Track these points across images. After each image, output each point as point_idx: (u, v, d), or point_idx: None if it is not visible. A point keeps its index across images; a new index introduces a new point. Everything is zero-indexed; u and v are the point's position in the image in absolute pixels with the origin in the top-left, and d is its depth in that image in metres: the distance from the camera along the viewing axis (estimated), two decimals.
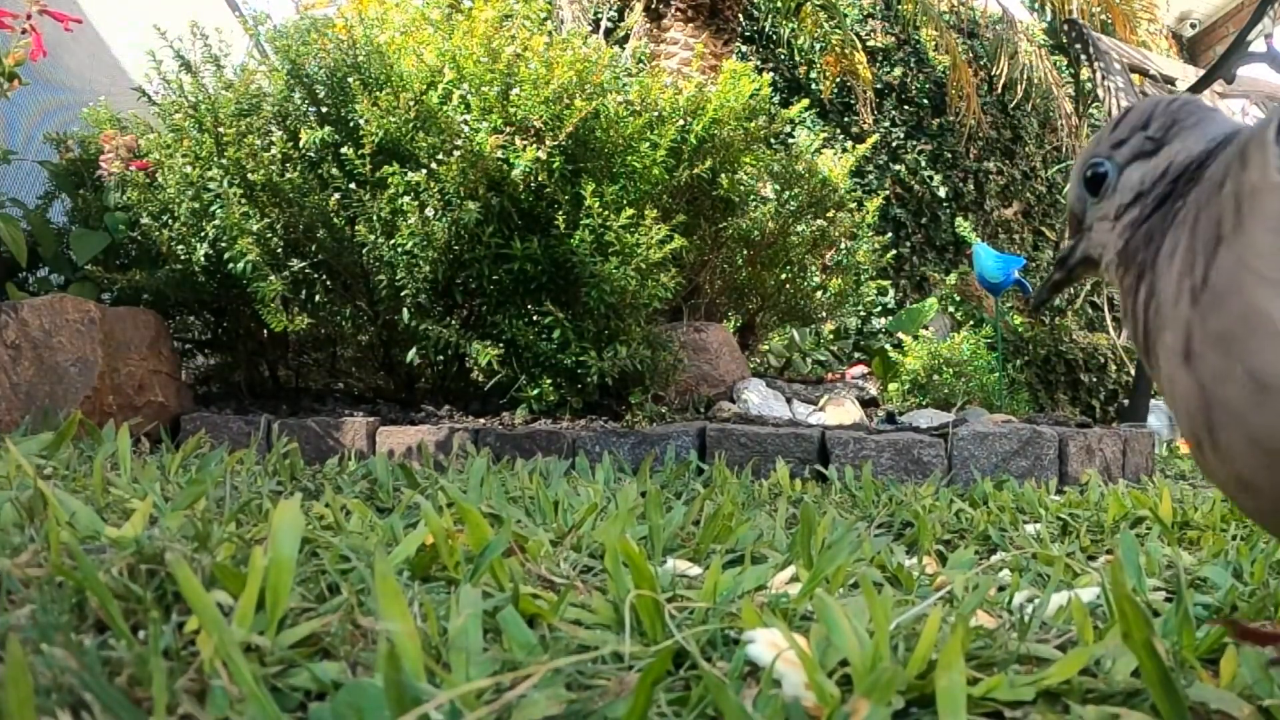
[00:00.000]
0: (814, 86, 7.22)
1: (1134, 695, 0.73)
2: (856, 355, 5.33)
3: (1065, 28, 4.07)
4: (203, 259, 2.71)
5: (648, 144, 2.80)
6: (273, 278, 2.62)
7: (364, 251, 2.67)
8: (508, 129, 2.67)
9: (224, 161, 2.62)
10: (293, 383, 3.33)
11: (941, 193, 7.55)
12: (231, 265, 2.62)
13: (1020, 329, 6.75)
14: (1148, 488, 1.96)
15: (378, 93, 2.64)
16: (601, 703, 0.67)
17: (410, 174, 2.59)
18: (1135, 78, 3.73)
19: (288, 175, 2.61)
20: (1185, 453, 3.74)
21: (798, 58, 7.36)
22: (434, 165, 2.60)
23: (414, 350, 2.78)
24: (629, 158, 2.80)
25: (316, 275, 2.83)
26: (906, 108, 7.65)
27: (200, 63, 2.84)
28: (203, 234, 2.69)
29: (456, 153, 2.58)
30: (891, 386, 4.11)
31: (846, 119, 7.27)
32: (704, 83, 3.08)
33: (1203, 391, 0.49)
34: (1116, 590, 0.68)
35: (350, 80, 2.67)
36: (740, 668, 0.76)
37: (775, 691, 0.71)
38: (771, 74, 3.49)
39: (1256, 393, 0.46)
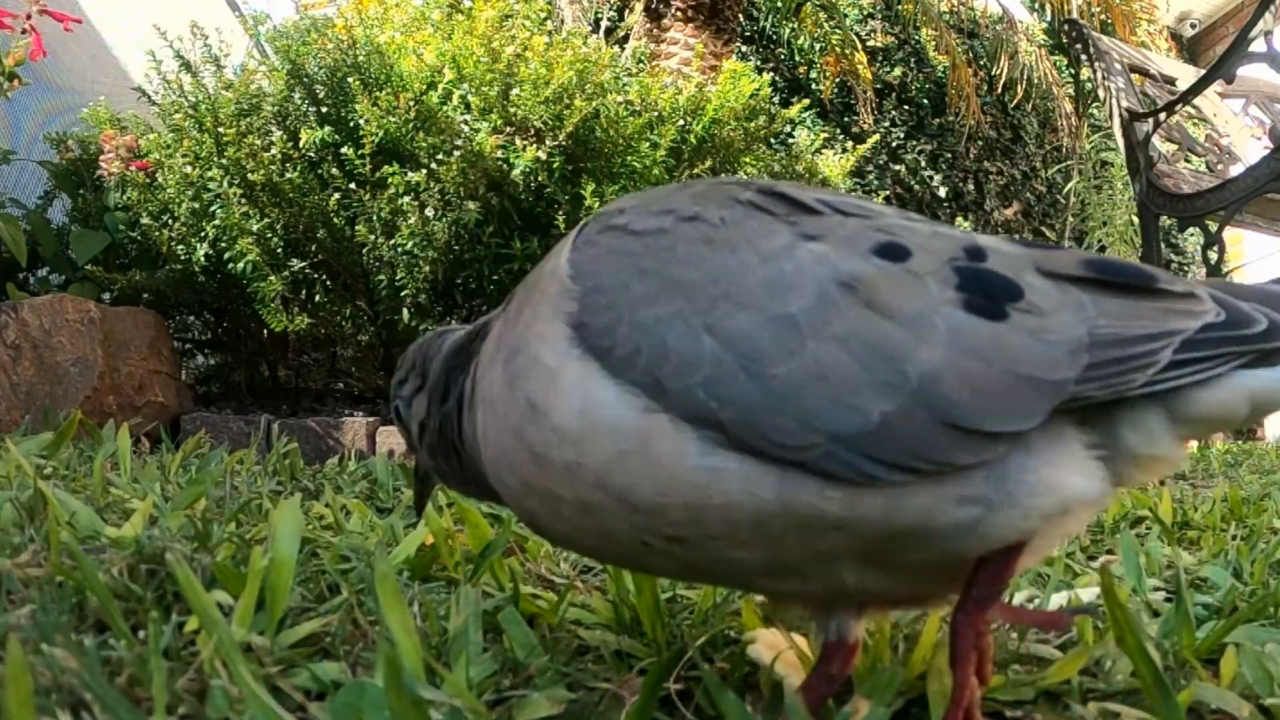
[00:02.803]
0: (814, 86, 7.22)
1: (1134, 694, 0.73)
2: None
3: (1065, 28, 4.07)
4: (203, 259, 2.71)
5: (648, 144, 2.80)
6: (273, 278, 2.62)
7: (364, 251, 2.67)
8: (508, 129, 2.67)
9: (224, 161, 2.62)
10: (293, 383, 3.33)
11: (941, 193, 7.55)
12: (231, 265, 2.62)
13: None
14: (1148, 488, 1.96)
15: (378, 93, 2.64)
16: (603, 705, 0.67)
17: (410, 174, 2.59)
18: (1135, 77, 3.72)
19: (288, 175, 2.61)
20: (1186, 450, 3.75)
21: (798, 58, 7.36)
22: (434, 165, 2.60)
23: None
24: (629, 158, 2.79)
25: (316, 275, 2.82)
26: (906, 108, 7.64)
27: (200, 63, 2.84)
28: (203, 234, 2.69)
29: (456, 153, 2.58)
30: None
31: (846, 119, 7.27)
32: (704, 83, 3.08)
33: (503, 431, 0.63)
34: (1109, 595, 0.68)
35: (350, 80, 2.66)
36: (740, 668, 0.76)
37: (775, 692, 0.71)
38: (771, 74, 3.49)
39: (532, 414, 0.60)
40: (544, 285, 0.65)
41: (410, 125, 2.64)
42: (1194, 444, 4.32)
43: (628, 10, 5.08)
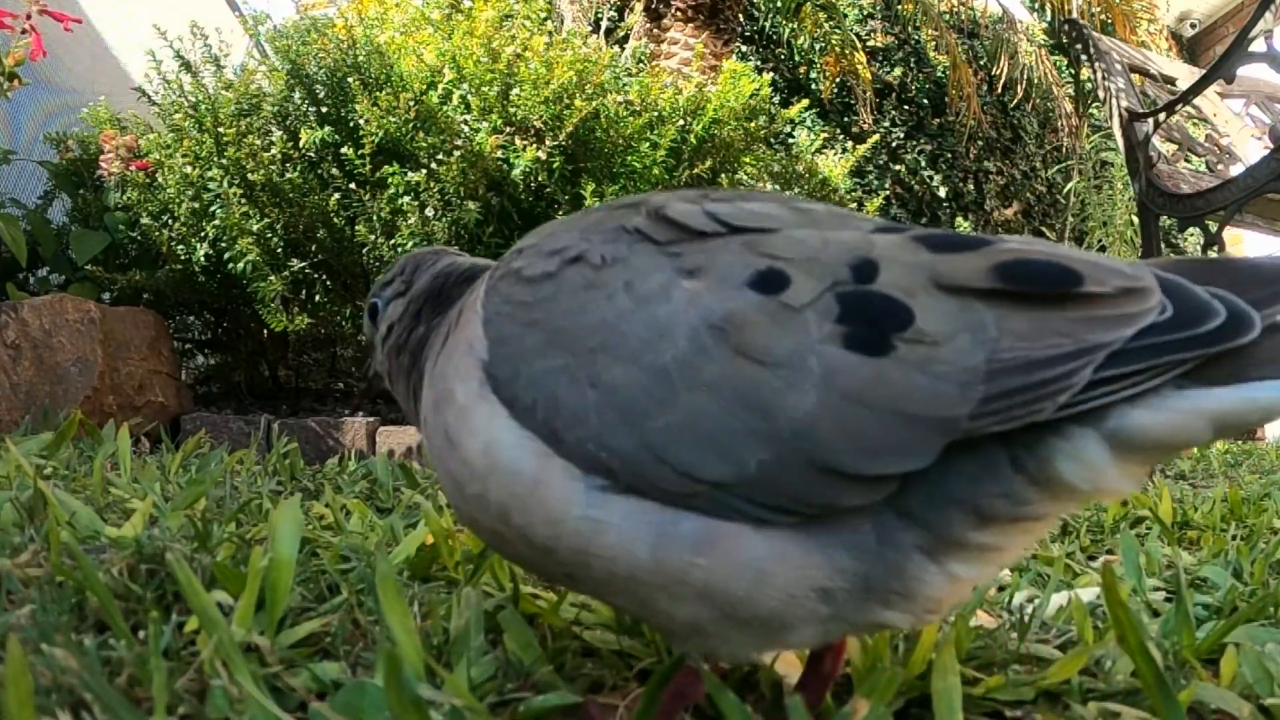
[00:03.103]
0: (814, 86, 7.22)
1: (1134, 694, 0.73)
2: None
3: (1065, 28, 4.07)
4: (203, 259, 2.71)
5: (648, 144, 2.80)
6: (273, 278, 2.62)
7: (364, 251, 2.67)
8: (508, 129, 2.67)
9: (224, 161, 2.62)
10: (293, 383, 3.33)
11: (941, 193, 7.55)
12: (231, 265, 2.62)
13: None
14: (1148, 488, 1.96)
15: (378, 93, 2.64)
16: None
17: (410, 174, 2.59)
18: (1135, 78, 3.72)
19: (288, 175, 2.61)
20: (1186, 452, 3.74)
21: (798, 58, 7.36)
22: (434, 165, 2.60)
23: None
24: (629, 158, 2.79)
25: (316, 275, 2.82)
26: (906, 108, 7.64)
27: (200, 63, 2.84)
28: (203, 234, 2.69)
29: (456, 153, 2.58)
30: None
31: (846, 119, 7.27)
32: (704, 83, 3.07)
33: (432, 449, 0.68)
34: (1110, 595, 0.68)
35: (350, 80, 2.66)
36: (740, 668, 0.76)
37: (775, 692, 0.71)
38: (771, 74, 3.49)
39: (448, 445, 0.64)
40: (466, 317, 0.67)
41: (410, 125, 2.64)
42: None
43: (628, 10, 5.08)
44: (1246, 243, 6.44)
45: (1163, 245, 4.75)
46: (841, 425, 0.52)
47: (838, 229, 0.60)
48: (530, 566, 0.66)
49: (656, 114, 2.88)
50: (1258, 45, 2.98)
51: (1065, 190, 7.90)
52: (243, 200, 2.60)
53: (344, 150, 2.61)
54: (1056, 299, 0.53)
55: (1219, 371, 0.51)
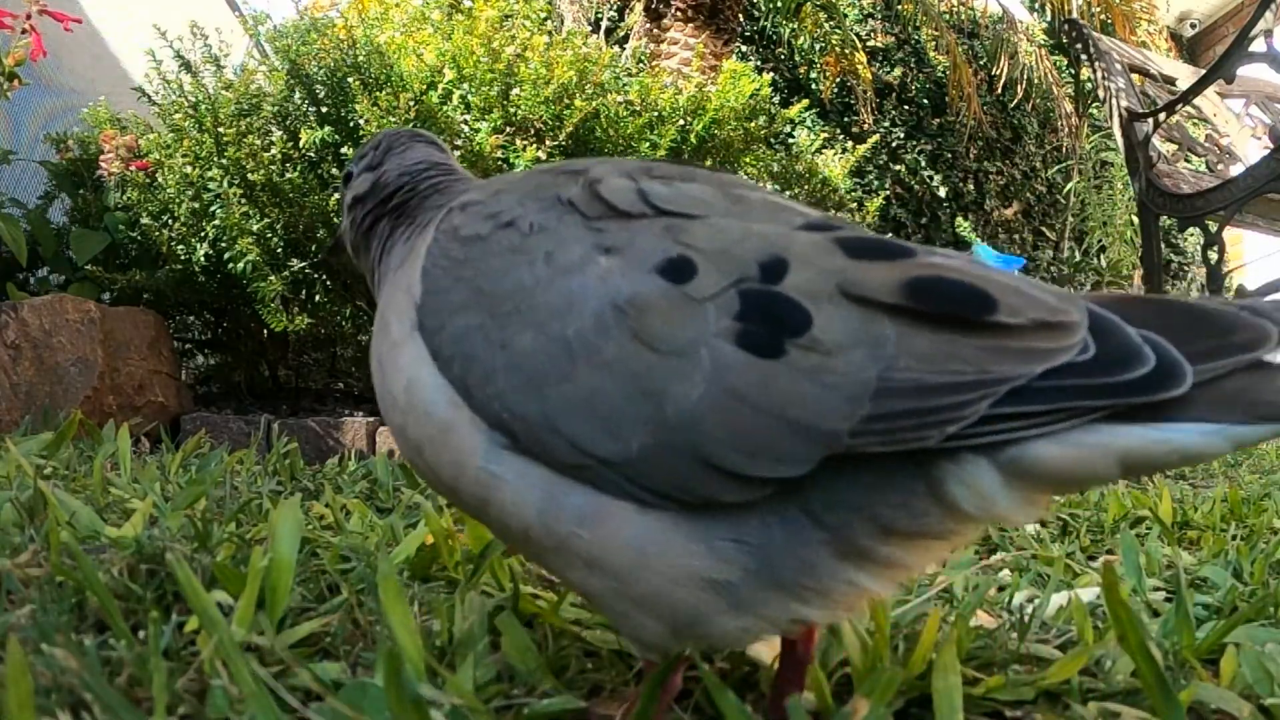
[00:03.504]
0: (814, 86, 7.21)
1: (1134, 694, 0.73)
2: None
3: (1065, 28, 4.07)
4: (203, 259, 2.71)
5: (648, 144, 2.80)
6: (273, 278, 2.62)
7: None
8: (508, 129, 2.67)
9: (224, 161, 2.62)
10: (293, 383, 3.33)
11: (941, 193, 7.55)
12: (231, 265, 2.62)
13: None
14: (1148, 488, 1.96)
15: (378, 93, 2.64)
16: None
17: None
18: (1135, 78, 3.72)
19: (288, 175, 2.61)
20: None
21: (798, 58, 7.36)
22: None
23: None
24: (629, 158, 2.79)
25: (316, 275, 2.82)
26: (906, 108, 7.64)
27: (200, 63, 2.84)
28: (203, 234, 2.69)
29: (456, 153, 2.58)
30: None
31: (846, 119, 7.26)
32: (704, 83, 3.07)
33: (372, 367, 0.72)
34: (1110, 594, 0.68)
35: (350, 80, 2.66)
36: (740, 668, 0.76)
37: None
38: (771, 74, 3.49)
39: (380, 371, 0.69)
40: (412, 260, 0.70)
41: (410, 125, 2.64)
42: None
43: (628, 10, 5.08)
44: (1246, 243, 6.44)
45: (1163, 245, 4.75)
46: (723, 422, 0.52)
47: (765, 221, 0.59)
48: (444, 497, 0.71)
49: (656, 114, 2.88)
50: (1258, 45, 2.98)
51: (1065, 190, 7.90)
52: (243, 200, 2.60)
53: (344, 150, 2.61)
54: (965, 324, 0.51)
55: (1138, 412, 0.49)
